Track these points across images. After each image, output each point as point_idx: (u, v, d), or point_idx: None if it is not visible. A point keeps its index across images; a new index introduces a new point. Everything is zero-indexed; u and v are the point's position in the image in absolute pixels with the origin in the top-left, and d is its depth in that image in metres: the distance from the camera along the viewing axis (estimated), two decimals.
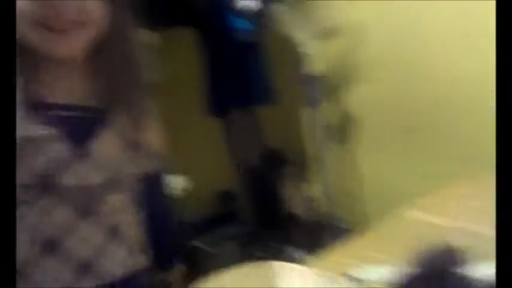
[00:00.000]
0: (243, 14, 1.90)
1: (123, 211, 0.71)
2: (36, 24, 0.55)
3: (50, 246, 0.63)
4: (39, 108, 0.60)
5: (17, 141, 0.53)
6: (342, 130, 2.15)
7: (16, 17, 0.51)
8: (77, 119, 0.64)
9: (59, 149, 0.61)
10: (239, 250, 1.76)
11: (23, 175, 0.57)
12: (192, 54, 2.15)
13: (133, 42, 0.68)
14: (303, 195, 2.20)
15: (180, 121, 1.91)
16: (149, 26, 1.59)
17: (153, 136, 0.75)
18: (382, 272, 0.92)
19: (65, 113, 0.62)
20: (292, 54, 2.13)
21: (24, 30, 0.54)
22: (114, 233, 0.69)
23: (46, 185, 0.61)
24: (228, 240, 1.84)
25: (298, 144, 2.32)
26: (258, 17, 1.97)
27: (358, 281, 0.92)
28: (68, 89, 0.64)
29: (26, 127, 0.56)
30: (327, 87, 2.11)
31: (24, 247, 0.60)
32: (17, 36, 0.52)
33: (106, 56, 0.65)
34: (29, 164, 0.59)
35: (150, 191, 0.79)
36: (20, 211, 0.59)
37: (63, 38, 0.57)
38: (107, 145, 0.66)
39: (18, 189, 0.57)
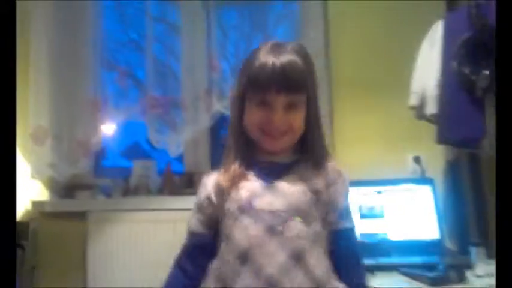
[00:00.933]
0: None
1: (304, 238, 0.85)
2: (260, 130, 0.89)
3: (244, 258, 0.84)
4: (253, 164, 0.92)
5: (237, 185, 0.89)
6: None
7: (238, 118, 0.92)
8: (271, 168, 0.92)
9: (256, 185, 0.89)
10: None
11: (231, 204, 0.88)
12: None
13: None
14: None
15: None
16: None
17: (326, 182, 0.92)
18: None
19: (265, 165, 0.92)
20: None
21: (253, 130, 0.90)
22: (297, 257, 0.83)
23: (246, 208, 0.87)
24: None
25: None
26: None
27: None
28: (269, 156, 0.94)
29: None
30: None
31: (228, 259, 0.85)
32: (250, 136, 0.89)
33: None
34: (236, 197, 0.89)
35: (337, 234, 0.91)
36: (228, 230, 0.88)
37: (274, 141, 0.90)
38: (289, 183, 0.89)
39: (227, 215, 0.89)
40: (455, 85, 1.60)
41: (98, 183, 2.29)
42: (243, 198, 0.87)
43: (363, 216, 1.61)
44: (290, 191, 0.86)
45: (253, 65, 0.87)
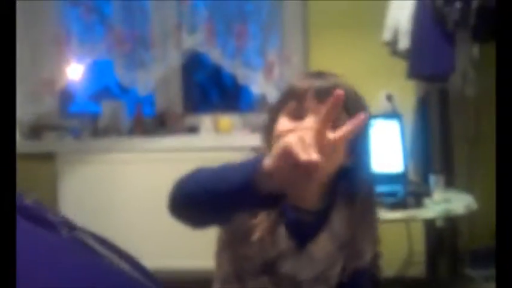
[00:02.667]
0: None
1: None
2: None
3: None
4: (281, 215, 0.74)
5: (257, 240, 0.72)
6: None
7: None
8: (302, 223, 0.72)
9: (285, 245, 0.74)
10: None
11: (256, 260, 0.74)
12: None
13: None
14: None
15: (493, 140, 1.74)
16: (476, 39, 1.56)
17: (366, 232, 0.79)
18: None
19: (294, 215, 0.71)
20: None
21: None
22: None
23: (268, 268, 0.75)
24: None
25: None
26: None
27: None
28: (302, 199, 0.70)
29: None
30: None
31: None
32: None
33: None
34: (260, 252, 0.75)
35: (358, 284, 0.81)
36: (243, 284, 0.75)
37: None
38: (322, 247, 0.75)
39: (246, 268, 0.75)
40: (428, 19, 1.58)
41: (66, 124, 2.24)
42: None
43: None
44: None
45: None
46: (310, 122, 0.70)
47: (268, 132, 0.78)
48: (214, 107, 2.46)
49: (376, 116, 1.70)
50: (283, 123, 0.75)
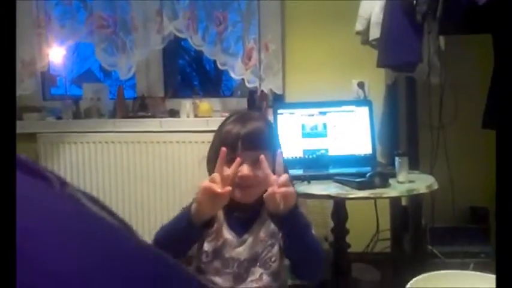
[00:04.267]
0: None
1: (264, 284, 0.99)
2: (236, 186, 0.98)
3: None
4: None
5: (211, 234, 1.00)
6: None
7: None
8: (241, 219, 1.03)
9: (228, 237, 1.02)
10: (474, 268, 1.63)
11: (207, 248, 1.00)
12: (478, 60, 1.89)
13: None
14: None
15: (455, 126, 1.85)
16: (443, 30, 1.62)
17: None
18: None
19: (236, 215, 1.03)
20: None
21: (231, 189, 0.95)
22: None
23: (218, 254, 1.01)
24: (465, 254, 1.77)
25: None
26: None
27: None
28: (242, 206, 1.03)
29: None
30: None
31: None
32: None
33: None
34: (212, 243, 1.01)
35: None
36: (202, 269, 1.01)
37: (245, 192, 1.00)
38: (255, 236, 1.02)
39: (202, 256, 1.00)
40: (397, 11, 1.67)
41: (47, 106, 2.26)
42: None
43: (307, 134, 1.72)
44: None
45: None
46: (243, 168, 0.98)
47: (210, 165, 1.03)
48: (196, 91, 2.51)
49: (347, 102, 1.80)
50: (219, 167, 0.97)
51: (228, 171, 0.95)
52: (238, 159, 0.96)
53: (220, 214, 1.02)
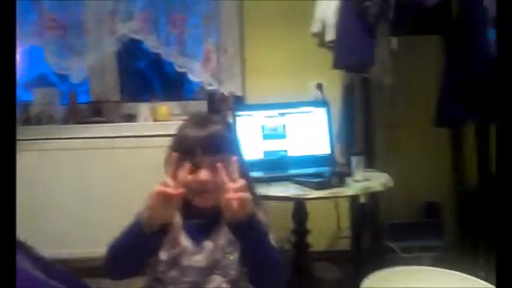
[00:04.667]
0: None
1: None
2: (193, 191, 0.96)
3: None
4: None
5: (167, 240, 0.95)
6: None
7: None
8: (200, 225, 1.01)
9: (185, 244, 1.00)
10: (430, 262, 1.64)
11: (163, 257, 0.97)
12: (430, 60, 1.97)
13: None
14: None
15: (408, 125, 1.89)
16: (395, 32, 1.63)
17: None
18: None
19: (195, 221, 1.01)
20: None
21: (189, 193, 0.94)
22: None
23: (175, 263, 0.98)
24: (421, 249, 1.85)
25: None
26: None
27: None
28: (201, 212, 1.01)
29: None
30: None
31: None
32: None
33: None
34: (168, 252, 0.98)
35: None
36: (159, 278, 0.99)
37: (203, 197, 0.98)
38: (214, 242, 1.00)
39: (159, 265, 0.97)
40: (351, 13, 1.71)
41: None
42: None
43: (267, 136, 1.73)
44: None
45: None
46: (201, 173, 0.96)
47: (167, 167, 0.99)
48: (156, 95, 2.45)
49: (305, 103, 1.82)
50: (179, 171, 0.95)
51: (185, 175, 0.92)
52: (189, 165, 0.93)
53: (177, 221, 0.98)
